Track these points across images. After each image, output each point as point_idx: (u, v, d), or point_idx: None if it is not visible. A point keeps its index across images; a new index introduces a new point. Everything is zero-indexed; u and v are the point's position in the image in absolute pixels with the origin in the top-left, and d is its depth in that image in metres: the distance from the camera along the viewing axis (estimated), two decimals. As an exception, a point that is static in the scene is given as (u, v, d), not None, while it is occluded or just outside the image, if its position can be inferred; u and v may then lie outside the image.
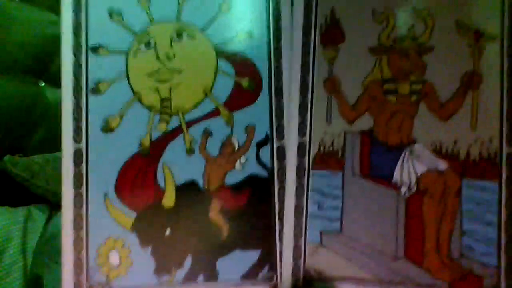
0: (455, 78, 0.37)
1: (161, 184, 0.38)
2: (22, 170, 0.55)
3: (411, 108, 0.38)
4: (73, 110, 0.37)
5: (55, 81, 0.59)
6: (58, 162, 0.56)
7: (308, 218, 0.38)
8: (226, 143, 0.39)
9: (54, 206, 0.57)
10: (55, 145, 0.55)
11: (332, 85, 0.39)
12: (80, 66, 0.38)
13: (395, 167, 0.38)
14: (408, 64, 0.38)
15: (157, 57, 0.38)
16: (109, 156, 0.37)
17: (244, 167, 0.39)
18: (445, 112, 0.37)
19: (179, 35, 0.39)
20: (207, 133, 0.38)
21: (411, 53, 0.38)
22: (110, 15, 0.38)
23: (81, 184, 0.37)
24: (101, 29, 0.38)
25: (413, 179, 0.37)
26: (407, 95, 0.38)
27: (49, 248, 0.49)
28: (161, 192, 0.38)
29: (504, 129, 0.36)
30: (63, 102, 0.37)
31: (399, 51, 0.38)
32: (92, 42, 0.38)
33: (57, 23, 0.54)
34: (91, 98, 0.38)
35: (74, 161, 0.37)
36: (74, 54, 0.38)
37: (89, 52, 0.38)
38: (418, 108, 0.38)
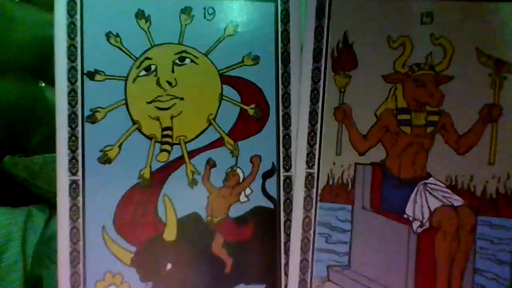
0: (474, 110, 0.35)
1: (162, 217, 0.36)
2: (22, 170, 0.53)
3: (426, 140, 0.36)
4: (68, 139, 0.35)
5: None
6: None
7: (315, 252, 0.37)
8: (230, 174, 0.37)
9: (54, 206, 0.56)
10: (55, 145, 0.53)
11: (343, 114, 0.37)
12: (75, 92, 0.35)
13: (407, 201, 0.36)
14: (424, 94, 0.36)
15: (158, 83, 0.36)
16: (107, 188, 0.35)
17: (249, 199, 0.37)
18: (462, 145, 0.35)
19: (182, 59, 0.36)
20: (210, 164, 0.36)
21: (428, 82, 0.36)
22: (108, 38, 0.36)
23: (78, 218, 0.35)
24: (98, 53, 0.35)
25: (426, 215, 0.36)
26: (423, 127, 0.36)
27: (48, 248, 0.48)
28: (162, 225, 0.36)
29: (523, 165, 0.34)
30: (57, 131, 0.35)
31: (415, 79, 0.36)
32: (88, 67, 0.35)
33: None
34: (88, 126, 0.35)
35: (70, 194, 0.35)
36: (69, 80, 0.35)
37: (85, 77, 0.35)
38: (433, 141, 0.36)
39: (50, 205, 0.55)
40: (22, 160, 0.53)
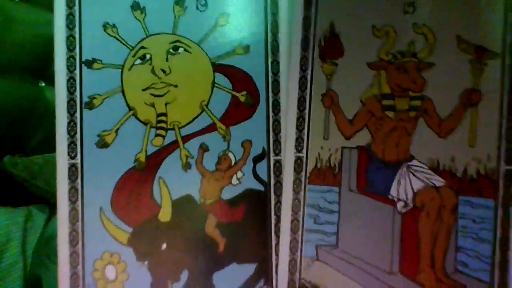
0: (455, 94, 0.37)
1: (157, 199, 0.37)
2: (22, 170, 0.55)
3: (410, 124, 0.37)
4: (67, 125, 0.36)
5: None
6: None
7: (304, 232, 0.38)
8: (222, 158, 0.38)
9: (54, 206, 0.57)
10: (55, 145, 0.55)
11: (330, 100, 0.38)
12: (74, 80, 0.37)
13: (391, 183, 0.38)
14: (407, 80, 0.37)
15: (153, 71, 0.38)
16: (105, 172, 0.37)
17: (241, 181, 0.38)
18: (444, 129, 0.37)
19: (175, 48, 0.38)
20: (203, 148, 0.38)
21: (410, 69, 0.37)
22: (105, 28, 0.37)
23: (76, 200, 0.36)
24: (95, 42, 0.37)
25: (410, 195, 0.37)
26: (406, 111, 0.37)
27: (48, 248, 0.49)
28: (157, 207, 0.37)
29: (502, 147, 0.36)
30: (57, 117, 0.37)
31: (398, 66, 0.38)
32: (86, 56, 0.37)
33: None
34: (86, 112, 0.37)
35: (69, 177, 0.36)
36: (68, 69, 0.37)
37: (83, 66, 0.37)
38: (416, 125, 0.37)
39: (50, 205, 0.56)
40: (22, 160, 0.55)
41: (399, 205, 0.37)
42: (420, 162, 0.37)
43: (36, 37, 0.55)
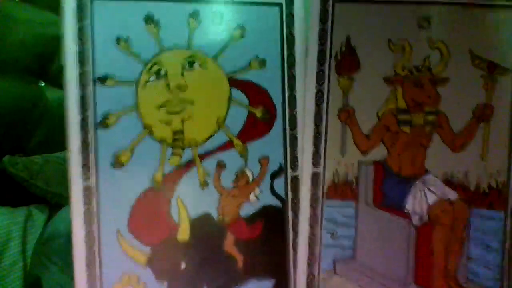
0: (468, 109, 0.38)
1: (175, 218, 0.37)
2: (22, 170, 0.54)
3: (425, 139, 0.38)
4: (81, 145, 0.35)
5: (55, 81, 0.58)
6: (58, 163, 0.55)
7: (321, 247, 0.39)
8: (240, 175, 0.38)
9: (54, 206, 0.57)
10: (55, 145, 0.54)
11: (347, 115, 0.39)
12: (86, 98, 0.36)
13: (407, 197, 0.39)
14: (422, 95, 0.38)
15: (168, 88, 0.37)
16: (121, 192, 0.36)
17: (259, 198, 0.38)
18: (458, 143, 0.38)
19: (191, 63, 0.37)
20: (220, 166, 0.38)
21: (426, 84, 0.38)
22: (118, 43, 0.36)
23: (92, 222, 0.36)
24: (108, 58, 0.36)
25: (425, 209, 0.38)
26: (421, 126, 0.38)
27: (47, 249, 0.49)
28: (175, 226, 0.37)
29: (513, 161, 0.38)
30: (69, 137, 0.36)
31: (414, 81, 0.38)
32: (98, 72, 0.36)
33: (57, 23, 0.52)
34: (100, 132, 0.36)
35: (84, 199, 0.36)
36: (80, 86, 0.35)
37: (96, 82, 0.36)
38: (431, 139, 0.38)
39: (50, 205, 0.55)
40: (21, 160, 0.54)
41: (414, 218, 0.39)
42: (434, 176, 0.38)
43: (36, 37, 0.54)
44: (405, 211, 0.39)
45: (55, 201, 0.56)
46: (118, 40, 0.36)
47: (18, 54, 0.55)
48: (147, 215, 0.37)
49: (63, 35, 0.35)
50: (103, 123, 0.36)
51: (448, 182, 0.38)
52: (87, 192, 0.36)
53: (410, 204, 0.39)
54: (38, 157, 0.55)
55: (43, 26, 0.53)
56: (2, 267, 0.46)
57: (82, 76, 0.36)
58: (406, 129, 0.39)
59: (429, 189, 0.39)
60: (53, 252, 0.46)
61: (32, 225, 0.51)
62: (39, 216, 0.53)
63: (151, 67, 0.37)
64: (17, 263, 0.48)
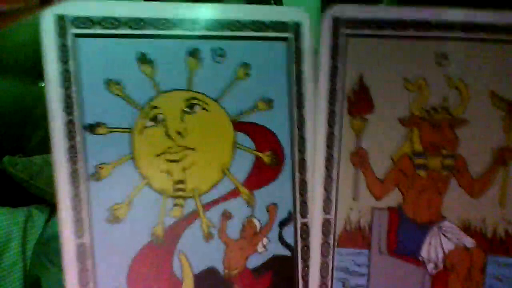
0: (487, 153, 0.36)
1: (178, 274, 0.35)
2: (21, 170, 0.53)
3: (442, 184, 0.36)
4: (72, 200, 0.32)
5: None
6: None
7: (332, 296, 0.37)
8: (247, 225, 0.36)
9: (54, 207, 0.56)
10: None
11: (360, 159, 0.36)
12: (75, 148, 0.32)
13: (422, 243, 0.37)
14: (440, 138, 0.36)
15: (167, 134, 0.34)
16: (118, 249, 0.34)
17: (267, 248, 0.36)
18: (476, 189, 0.36)
19: (191, 106, 0.34)
20: (226, 216, 0.35)
21: (444, 126, 0.36)
22: (108, 86, 0.32)
23: (88, 282, 0.33)
24: (98, 103, 0.33)
25: (440, 256, 0.37)
26: (438, 171, 0.36)
27: (47, 249, 0.48)
28: (178, 282, 0.35)
29: (532, 207, 0.36)
30: (59, 191, 0.32)
31: (431, 123, 0.36)
32: (88, 119, 0.32)
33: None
34: (92, 185, 0.33)
35: (78, 258, 0.33)
36: (67, 135, 0.32)
37: (85, 131, 0.32)
38: (448, 184, 0.36)
39: (50, 206, 0.54)
40: (21, 160, 0.53)
41: (430, 266, 0.37)
42: (451, 222, 0.37)
43: (36, 38, 0.51)
44: (420, 258, 0.37)
45: (55, 202, 0.55)
46: (108, 83, 0.33)
47: (18, 55, 0.54)
48: (148, 272, 0.34)
49: (45, 78, 0.31)
50: (96, 175, 0.33)
51: (465, 228, 0.37)
52: (81, 250, 0.33)
53: (425, 252, 0.37)
54: (38, 158, 0.54)
55: None
56: (2, 267, 0.45)
57: (69, 125, 0.32)
58: (422, 173, 0.37)
59: (445, 236, 0.37)
60: (53, 253, 0.46)
61: (32, 225, 0.51)
62: (39, 217, 0.52)
63: (148, 112, 0.33)
64: (17, 264, 0.47)
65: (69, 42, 0.32)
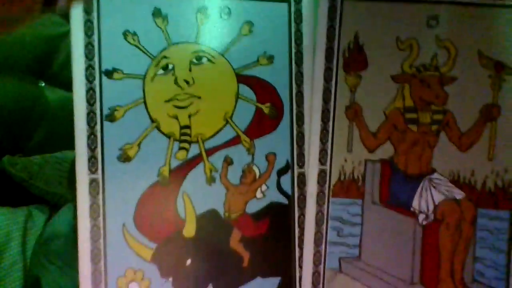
0: (475, 109, 0.38)
1: (181, 214, 0.37)
2: (21, 170, 0.54)
3: (432, 137, 0.39)
4: (87, 138, 0.35)
5: (55, 81, 0.59)
6: (58, 163, 0.55)
7: (327, 245, 0.39)
8: (247, 171, 0.38)
9: (54, 207, 0.57)
10: (55, 145, 0.54)
11: (354, 113, 0.39)
12: (93, 91, 0.36)
13: (413, 195, 0.39)
14: (430, 94, 0.38)
15: (176, 82, 0.37)
16: (127, 186, 0.36)
17: (265, 195, 0.38)
18: (464, 142, 0.38)
19: (199, 58, 0.37)
20: (228, 161, 0.38)
21: (433, 83, 0.38)
22: (125, 36, 0.36)
23: (98, 216, 0.36)
24: (116, 51, 0.36)
25: (431, 208, 0.39)
26: (428, 125, 0.39)
27: (47, 249, 0.48)
28: (181, 222, 0.37)
29: (519, 160, 0.38)
30: (76, 129, 0.36)
31: (421, 80, 0.39)
32: (106, 65, 0.36)
33: (57, 23, 0.52)
34: (106, 125, 0.36)
35: (90, 192, 0.36)
36: (87, 79, 0.36)
37: (103, 76, 0.36)
38: (438, 138, 0.38)
39: (50, 205, 0.55)
40: (21, 160, 0.53)
41: (421, 217, 0.39)
42: (441, 175, 0.39)
43: (36, 37, 0.54)
44: (412, 209, 0.39)
45: (55, 202, 0.56)
46: (125, 34, 0.36)
47: (18, 54, 0.54)
48: (153, 210, 0.37)
49: (70, 28, 0.35)
50: (110, 117, 0.36)
51: (455, 181, 0.39)
52: (94, 185, 0.36)
53: (417, 203, 0.39)
54: (37, 158, 0.55)
55: (43, 26, 0.54)
56: (2, 267, 0.45)
57: (89, 69, 0.36)
58: (413, 127, 0.39)
59: (435, 188, 0.39)
60: (53, 253, 0.45)
61: (32, 225, 0.50)
62: (39, 216, 0.51)
63: (159, 61, 0.37)
64: (17, 263, 0.47)
65: (93, -5, 0.36)
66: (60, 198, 0.56)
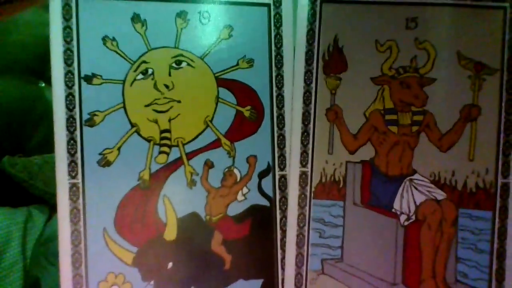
0: (455, 109, 0.39)
1: (162, 217, 0.37)
2: (21, 171, 0.54)
3: (412, 139, 0.39)
4: (67, 143, 0.36)
5: None
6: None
7: (309, 246, 0.39)
8: (227, 174, 0.38)
9: (54, 207, 0.57)
10: (54, 147, 0.54)
11: (334, 115, 0.39)
12: (73, 96, 0.36)
13: (394, 196, 0.39)
14: (409, 95, 0.39)
15: (155, 86, 0.37)
16: (107, 191, 0.37)
17: (246, 197, 0.39)
18: (445, 143, 0.38)
19: (178, 62, 0.38)
20: (208, 164, 0.38)
21: (413, 84, 0.39)
22: (104, 41, 0.36)
23: (78, 220, 0.36)
24: (95, 56, 0.37)
25: (412, 208, 0.39)
26: (408, 126, 0.39)
27: (46, 250, 0.49)
28: (162, 226, 0.37)
29: (500, 161, 0.38)
30: (56, 134, 0.36)
31: (401, 81, 0.39)
32: (85, 70, 0.36)
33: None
34: (86, 130, 0.36)
35: (70, 197, 0.36)
36: (66, 84, 0.36)
37: (82, 81, 0.36)
38: (418, 139, 0.39)
39: (50, 206, 0.55)
40: (21, 160, 0.55)
41: (402, 218, 0.39)
42: (422, 176, 0.39)
43: (36, 38, 0.55)
44: (393, 210, 0.39)
45: (54, 202, 0.57)
46: (104, 39, 0.37)
47: (18, 55, 0.55)
48: (134, 214, 0.37)
49: (49, 34, 0.35)
50: (90, 122, 0.36)
51: (436, 182, 0.39)
52: (74, 189, 0.36)
53: (398, 204, 0.39)
54: (37, 158, 0.56)
55: (43, 27, 0.54)
56: (2, 267, 0.46)
57: (68, 75, 0.36)
58: (394, 128, 0.39)
59: (416, 189, 0.39)
60: (52, 253, 0.46)
61: (32, 225, 0.51)
62: (39, 217, 0.53)
63: (138, 66, 0.37)
64: (17, 263, 0.48)
65: (72, 1, 0.36)
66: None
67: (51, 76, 0.36)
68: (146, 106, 0.37)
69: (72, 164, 0.36)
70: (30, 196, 0.55)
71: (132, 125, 0.37)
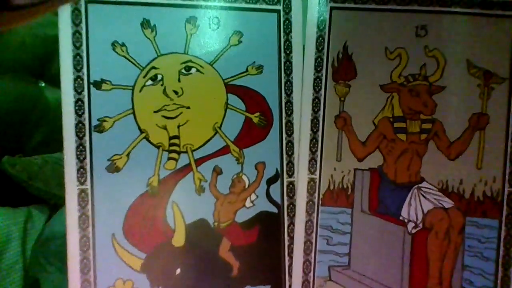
0: (464, 118, 0.39)
1: (171, 223, 0.38)
2: (20, 171, 0.54)
3: (421, 146, 0.39)
4: (76, 149, 0.36)
5: (55, 81, 0.60)
6: (57, 163, 0.55)
7: (317, 253, 0.39)
8: (236, 181, 0.38)
9: (54, 207, 0.57)
10: (54, 145, 0.54)
11: (343, 122, 0.39)
12: (82, 102, 0.36)
13: (402, 204, 0.39)
14: (419, 103, 0.39)
15: (165, 92, 0.37)
16: (116, 197, 0.37)
17: (254, 204, 0.39)
18: (453, 151, 0.39)
19: (188, 69, 0.37)
20: (217, 171, 0.38)
21: (422, 92, 0.39)
22: (113, 47, 0.36)
23: (87, 226, 0.36)
24: (104, 62, 0.36)
25: (420, 216, 0.39)
26: (417, 134, 0.39)
27: (45, 250, 0.49)
28: (170, 232, 0.37)
29: (507, 169, 0.38)
30: (65, 140, 0.36)
31: (410, 89, 0.39)
32: (94, 76, 0.36)
33: (57, 24, 0.52)
34: (95, 136, 0.36)
35: (79, 203, 0.36)
36: (75, 90, 0.36)
37: (92, 87, 0.36)
38: (427, 147, 0.39)
39: (50, 206, 0.55)
40: (20, 160, 0.54)
41: (410, 225, 0.39)
42: (430, 184, 0.39)
43: (36, 38, 0.55)
44: (401, 218, 0.39)
45: (54, 202, 0.57)
46: (114, 44, 0.36)
47: (18, 54, 0.55)
48: (143, 220, 0.37)
49: (59, 39, 0.35)
50: (99, 127, 0.36)
51: (443, 190, 0.39)
52: (82, 195, 0.36)
53: (406, 212, 0.39)
54: (37, 158, 0.56)
55: (43, 27, 0.54)
56: (2, 267, 0.46)
57: (77, 80, 0.36)
58: (402, 136, 0.39)
59: (424, 197, 0.39)
60: (51, 254, 0.46)
61: (32, 225, 0.51)
62: (39, 217, 0.53)
63: (148, 71, 0.37)
64: (17, 264, 0.48)
65: (82, 6, 0.36)
66: (59, 199, 0.56)
67: (61, 81, 0.36)
68: (155, 112, 0.37)
69: (81, 170, 0.36)
70: (30, 196, 0.55)
71: (141, 131, 0.37)
